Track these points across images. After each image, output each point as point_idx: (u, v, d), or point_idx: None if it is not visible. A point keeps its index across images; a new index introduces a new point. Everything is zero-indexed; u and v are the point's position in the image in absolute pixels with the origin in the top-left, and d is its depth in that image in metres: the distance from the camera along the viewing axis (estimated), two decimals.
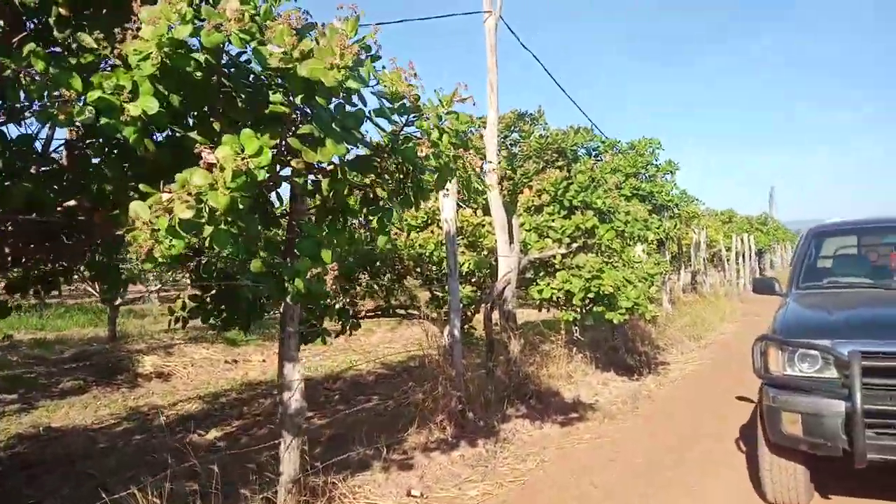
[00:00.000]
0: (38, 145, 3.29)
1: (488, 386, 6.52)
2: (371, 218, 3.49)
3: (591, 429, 6.51)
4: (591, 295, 7.59)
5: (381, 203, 3.40)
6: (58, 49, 2.70)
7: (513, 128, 10.05)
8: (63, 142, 3.13)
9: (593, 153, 10.97)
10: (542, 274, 8.17)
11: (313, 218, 3.63)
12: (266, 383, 9.21)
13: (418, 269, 7.69)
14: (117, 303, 12.27)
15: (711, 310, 16.30)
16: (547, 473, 5.20)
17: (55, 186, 3.06)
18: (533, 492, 4.81)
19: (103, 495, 3.17)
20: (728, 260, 23.82)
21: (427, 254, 7.08)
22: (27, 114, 2.80)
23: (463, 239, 7.53)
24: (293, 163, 2.91)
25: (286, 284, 3.11)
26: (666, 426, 6.68)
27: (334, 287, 2.95)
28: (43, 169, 3.04)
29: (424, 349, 6.32)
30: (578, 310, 7.90)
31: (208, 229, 2.55)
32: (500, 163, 9.28)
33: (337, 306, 6.52)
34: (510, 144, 10.18)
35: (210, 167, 2.39)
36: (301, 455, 4.01)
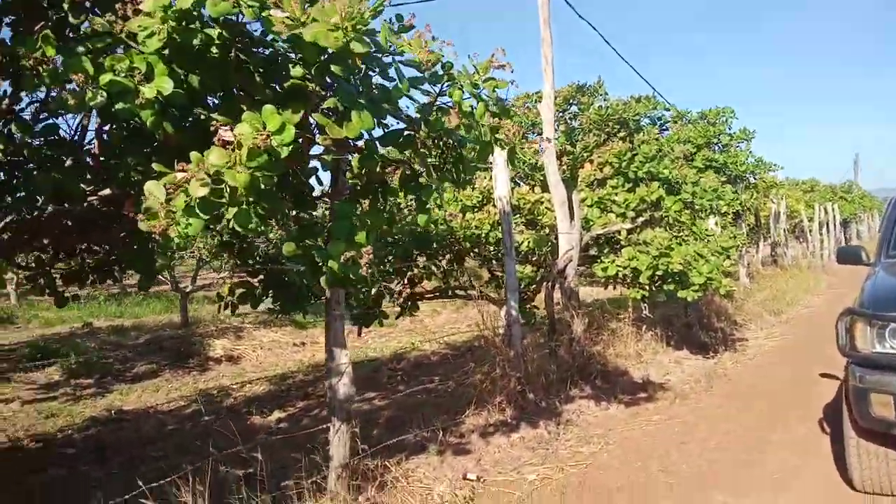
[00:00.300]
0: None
1: (550, 366, 6.30)
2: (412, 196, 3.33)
3: (660, 410, 6.20)
4: (659, 273, 7.23)
5: (421, 180, 3.22)
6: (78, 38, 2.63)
7: (571, 101, 9.67)
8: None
9: (658, 122, 10.46)
10: (606, 251, 7.84)
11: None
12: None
13: (476, 250, 7.49)
14: (188, 290, 12.65)
15: (793, 283, 15.46)
16: (611, 457, 4.96)
17: (88, 176, 3.03)
18: (595, 476, 4.59)
19: (139, 483, 3.16)
20: (810, 231, 22.57)
21: (483, 234, 6.87)
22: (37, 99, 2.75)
23: (520, 217, 7.28)
24: (319, 140, 2.77)
25: (322, 267, 2.99)
26: (742, 407, 6.30)
27: (370, 270, 2.79)
28: (73, 159, 3.01)
29: (482, 330, 6.14)
30: (647, 287, 7.55)
31: (232, 210, 2.45)
32: (557, 138, 8.96)
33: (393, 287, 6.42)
34: (569, 118, 9.80)
35: (226, 145, 2.28)
36: (352, 439, 3.93)
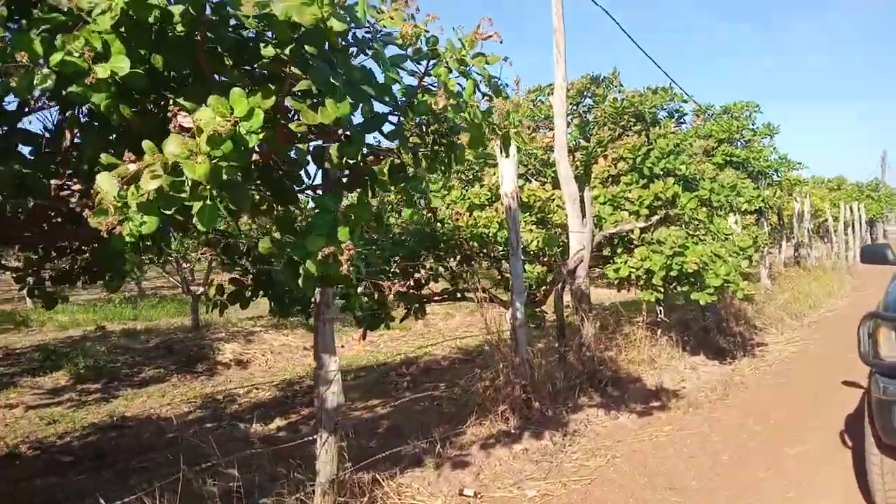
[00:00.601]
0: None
1: (557, 372, 6.04)
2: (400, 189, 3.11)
3: (673, 420, 5.92)
4: (673, 273, 6.94)
5: (410, 170, 3.00)
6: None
7: (585, 93, 9.40)
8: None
9: (675, 115, 10.14)
10: (619, 251, 7.56)
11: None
12: (340, 370, 9.07)
13: (484, 251, 7.25)
14: (199, 292, 12.53)
15: (816, 285, 15.02)
16: (618, 472, 4.68)
17: (58, 169, 2.84)
18: (598, 494, 4.31)
19: (101, 502, 2.98)
20: (835, 230, 22.02)
21: (491, 234, 6.63)
22: None
23: (531, 215, 7.02)
24: (292, 126, 2.56)
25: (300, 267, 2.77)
26: (759, 417, 5.99)
27: (352, 269, 2.56)
28: (43, 151, 2.83)
29: (485, 335, 5.91)
30: (660, 289, 7.26)
31: (197, 205, 2.25)
32: (571, 132, 8.69)
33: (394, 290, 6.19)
34: (583, 112, 9.53)
35: (183, 131, 2.08)
36: (340, 452, 3.72)
